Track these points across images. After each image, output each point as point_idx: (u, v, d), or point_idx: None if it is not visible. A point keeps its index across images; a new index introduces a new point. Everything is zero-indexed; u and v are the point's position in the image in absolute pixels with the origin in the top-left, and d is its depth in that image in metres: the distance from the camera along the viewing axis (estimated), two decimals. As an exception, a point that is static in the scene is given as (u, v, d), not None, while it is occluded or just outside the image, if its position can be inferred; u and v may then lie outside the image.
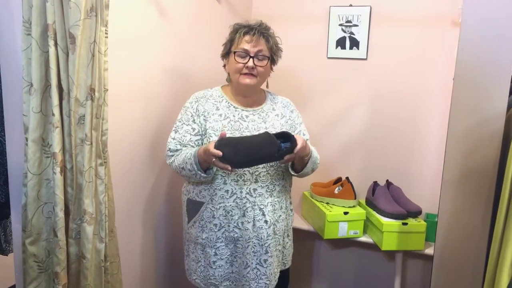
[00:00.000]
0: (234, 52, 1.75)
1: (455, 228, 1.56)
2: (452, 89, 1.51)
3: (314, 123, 2.52)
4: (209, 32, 2.29)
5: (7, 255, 1.80)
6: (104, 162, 1.47)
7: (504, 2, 1.39)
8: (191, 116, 1.78)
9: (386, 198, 2.33)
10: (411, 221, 2.24)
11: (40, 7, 1.29)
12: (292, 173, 1.85)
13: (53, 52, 1.31)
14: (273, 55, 1.82)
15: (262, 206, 1.76)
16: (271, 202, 1.79)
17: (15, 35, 1.36)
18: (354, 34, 2.48)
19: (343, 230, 2.34)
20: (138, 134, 1.90)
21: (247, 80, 1.75)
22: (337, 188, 2.45)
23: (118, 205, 1.70)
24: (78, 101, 1.37)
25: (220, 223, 1.77)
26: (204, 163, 1.65)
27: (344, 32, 2.50)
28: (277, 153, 1.60)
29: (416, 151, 2.46)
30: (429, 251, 2.22)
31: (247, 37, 1.75)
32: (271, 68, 1.87)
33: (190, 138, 1.76)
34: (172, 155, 1.76)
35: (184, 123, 1.78)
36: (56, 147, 1.35)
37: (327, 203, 2.46)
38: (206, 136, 1.76)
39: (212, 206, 1.77)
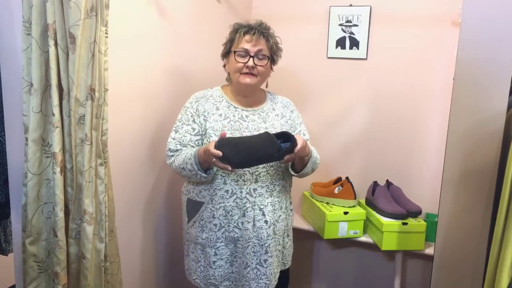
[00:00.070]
0: (234, 52, 1.75)
1: (455, 228, 1.56)
2: (452, 89, 1.51)
3: (314, 123, 2.52)
4: (209, 32, 2.29)
5: (7, 255, 1.80)
6: (104, 162, 1.47)
7: (504, 2, 1.39)
8: (191, 116, 1.78)
9: (386, 198, 2.33)
10: (411, 221, 2.24)
11: (40, 7, 1.29)
12: (292, 173, 1.85)
13: (53, 52, 1.31)
14: (273, 55, 1.82)
15: (262, 206, 1.76)
16: (271, 202, 1.79)
17: (15, 35, 1.36)
18: (354, 34, 2.48)
19: (343, 230, 2.34)
20: (138, 134, 1.90)
21: (247, 80, 1.75)
22: (337, 188, 2.45)
23: (118, 205, 1.70)
24: (78, 101, 1.37)
25: (220, 223, 1.77)
26: (205, 163, 1.65)
27: (344, 32, 2.50)
28: (277, 153, 1.60)
29: (416, 151, 2.46)
30: (429, 251, 2.22)
31: (247, 37, 1.75)
32: (271, 68, 1.87)
33: (190, 138, 1.76)
34: (172, 155, 1.76)
35: (184, 123, 1.78)
36: (56, 147, 1.34)
37: (327, 203, 2.46)
38: (206, 136, 1.76)
39: (212, 206, 1.77)
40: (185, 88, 2.09)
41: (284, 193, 1.87)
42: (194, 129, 1.77)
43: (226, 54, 1.84)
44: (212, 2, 2.33)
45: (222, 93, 1.85)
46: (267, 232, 1.77)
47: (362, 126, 2.55)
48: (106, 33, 1.41)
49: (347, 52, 2.51)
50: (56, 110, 1.33)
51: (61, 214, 1.38)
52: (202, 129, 1.77)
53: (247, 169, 1.73)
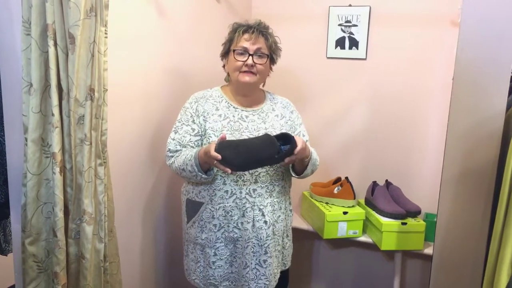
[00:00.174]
0: (234, 51, 1.76)
1: (454, 227, 1.56)
2: (452, 89, 1.51)
3: (314, 123, 2.52)
4: (209, 32, 2.29)
5: (6, 255, 1.80)
6: (104, 162, 1.47)
7: (503, 2, 1.39)
8: (191, 116, 1.78)
9: (385, 198, 2.33)
10: (410, 221, 2.24)
11: (39, 7, 1.29)
12: (293, 175, 1.85)
13: (53, 52, 1.31)
14: (272, 54, 1.82)
15: (261, 207, 1.76)
16: (270, 203, 1.79)
17: (14, 35, 1.36)
18: (353, 34, 2.48)
19: (343, 230, 2.34)
20: (138, 134, 1.90)
21: (247, 78, 1.75)
22: (336, 188, 2.45)
23: (117, 205, 1.70)
24: (78, 101, 1.37)
25: (220, 223, 1.77)
26: (205, 164, 1.65)
27: (344, 32, 2.50)
28: (277, 154, 1.59)
29: (416, 151, 2.46)
30: (428, 251, 2.22)
31: (246, 35, 1.75)
32: (271, 68, 1.87)
33: (190, 139, 1.76)
34: (172, 156, 1.76)
35: (183, 123, 1.78)
36: (56, 147, 1.35)
37: (327, 203, 2.46)
38: (205, 137, 1.75)
39: (212, 207, 1.77)
40: (184, 88, 2.09)
41: (284, 193, 1.87)
42: (193, 129, 1.77)
43: (225, 54, 1.84)
44: (211, 2, 2.33)
45: (221, 93, 1.85)
46: (267, 233, 1.77)
47: (362, 126, 2.55)
48: (106, 33, 1.41)
49: (347, 52, 2.51)
50: (55, 110, 1.33)
51: (60, 214, 1.38)
52: (202, 129, 1.77)
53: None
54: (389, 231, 2.21)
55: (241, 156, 1.55)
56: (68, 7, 1.29)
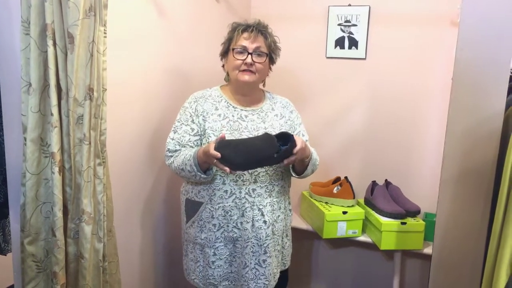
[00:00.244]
0: (233, 49, 1.76)
1: (454, 227, 1.56)
2: (451, 88, 1.51)
3: (313, 123, 2.52)
4: (208, 31, 2.29)
5: (5, 255, 1.80)
6: (103, 162, 1.47)
7: (502, 2, 1.39)
8: (190, 116, 1.78)
9: (385, 197, 2.33)
10: (409, 220, 2.24)
11: (38, 7, 1.29)
12: (293, 175, 1.85)
13: (52, 52, 1.31)
14: (271, 53, 1.82)
15: (261, 206, 1.76)
16: (270, 202, 1.79)
17: (13, 35, 1.36)
18: (353, 34, 2.48)
19: (342, 230, 2.34)
20: (137, 133, 1.90)
21: (246, 77, 1.75)
22: (336, 188, 2.45)
23: (116, 205, 1.70)
24: (77, 101, 1.37)
25: (219, 223, 1.77)
26: (204, 164, 1.65)
27: (343, 31, 2.50)
28: (277, 153, 1.59)
29: (415, 150, 2.46)
30: (428, 250, 2.22)
31: (245, 34, 1.75)
32: (270, 68, 1.87)
33: (189, 139, 1.76)
34: (171, 156, 1.76)
35: (183, 123, 1.78)
36: (55, 147, 1.35)
37: (326, 202, 2.46)
38: (205, 136, 1.75)
39: (211, 206, 1.77)
40: (184, 88, 2.08)
41: (283, 193, 1.87)
42: (193, 129, 1.77)
43: (224, 53, 1.84)
44: (210, 2, 2.33)
45: (221, 93, 1.85)
46: (266, 232, 1.77)
47: (361, 125, 2.55)
48: (105, 33, 1.40)
49: (346, 52, 2.51)
50: (54, 110, 1.33)
51: (59, 214, 1.38)
52: (201, 129, 1.77)
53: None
54: (388, 231, 2.21)
55: (241, 155, 1.55)
56: (67, 7, 1.29)
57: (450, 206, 1.55)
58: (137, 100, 1.87)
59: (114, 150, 1.71)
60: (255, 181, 1.75)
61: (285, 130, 1.78)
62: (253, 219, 1.76)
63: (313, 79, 2.61)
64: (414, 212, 2.27)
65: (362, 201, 2.49)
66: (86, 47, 1.36)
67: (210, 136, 1.74)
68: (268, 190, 1.78)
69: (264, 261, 1.77)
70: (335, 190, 2.44)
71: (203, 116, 1.77)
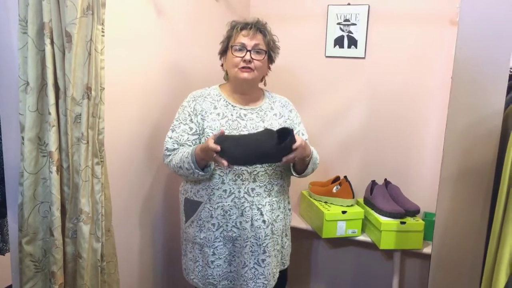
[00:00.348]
0: (231, 47, 1.75)
1: (453, 226, 1.56)
2: (451, 87, 1.51)
3: (312, 122, 2.51)
4: (207, 30, 2.28)
5: (3, 255, 1.80)
6: (101, 161, 1.47)
7: (501, 1, 1.39)
8: (189, 115, 1.78)
9: (384, 197, 2.33)
10: (409, 220, 2.24)
11: (36, 6, 1.29)
12: (294, 174, 1.84)
13: (50, 51, 1.30)
14: (270, 51, 1.81)
15: (260, 206, 1.76)
16: (269, 202, 1.78)
17: (11, 34, 1.36)
18: (352, 33, 2.48)
19: (341, 229, 2.34)
20: (135, 133, 1.90)
21: (245, 74, 1.75)
22: (335, 187, 2.44)
23: (115, 204, 1.70)
24: (75, 100, 1.36)
25: (218, 222, 1.76)
26: (202, 161, 1.65)
27: (342, 31, 2.49)
28: (276, 148, 1.56)
29: (415, 150, 2.46)
30: (427, 250, 2.22)
31: (244, 32, 1.75)
32: (269, 67, 1.87)
33: (188, 138, 1.76)
34: (169, 155, 1.76)
35: (181, 122, 1.78)
36: (53, 146, 1.34)
37: (325, 202, 2.46)
38: (203, 136, 1.75)
39: (210, 206, 1.76)
40: (182, 87, 2.08)
41: (282, 192, 1.86)
42: (191, 128, 1.77)
43: (223, 52, 1.83)
44: (210, 1, 2.32)
45: (220, 91, 1.84)
46: (265, 232, 1.76)
47: (360, 125, 2.55)
48: (103, 32, 1.40)
49: (346, 51, 2.51)
50: (52, 109, 1.33)
51: (57, 214, 1.37)
52: (200, 128, 1.76)
53: (244, 168, 1.72)
54: (388, 230, 2.21)
55: (240, 148, 1.54)
56: (65, 5, 1.29)
57: (449, 205, 1.55)
58: (136, 99, 1.87)
59: (113, 149, 1.71)
60: (254, 181, 1.75)
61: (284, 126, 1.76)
62: (252, 219, 1.75)
63: (312, 78, 2.61)
64: (413, 212, 2.27)
65: (361, 200, 2.49)
66: (84, 46, 1.35)
67: (209, 135, 1.73)
68: (267, 190, 1.78)
69: (263, 260, 1.77)
70: (334, 190, 2.44)
71: (202, 115, 1.77)
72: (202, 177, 1.70)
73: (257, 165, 1.74)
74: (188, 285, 1.95)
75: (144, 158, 1.96)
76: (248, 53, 1.73)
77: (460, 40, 1.46)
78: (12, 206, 1.45)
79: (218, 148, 1.52)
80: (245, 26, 1.76)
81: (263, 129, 1.67)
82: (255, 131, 1.73)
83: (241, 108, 1.81)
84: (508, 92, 1.44)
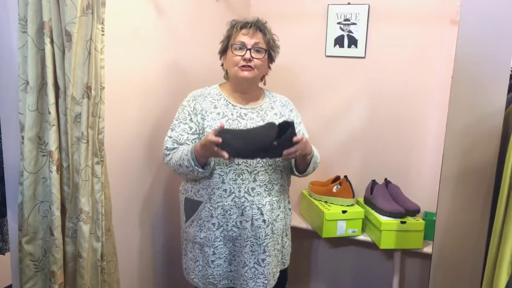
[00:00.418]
0: (231, 46, 1.75)
1: (454, 225, 1.55)
2: (451, 86, 1.51)
3: (312, 122, 2.51)
4: (207, 30, 2.28)
5: (3, 254, 1.80)
6: (101, 160, 1.47)
7: (502, -1, 1.39)
8: (188, 114, 1.78)
9: (384, 196, 2.33)
10: (409, 219, 2.24)
11: (36, 5, 1.28)
12: (296, 173, 1.84)
13: (49, 50, 1.30)
14: (270, 50, 1.81)
15: (260, 205, 1.76)
16: (269, 201, 1.78)
17: (11, 33, 1.36)
18: (352, 33, 2.47)
19: (342, 229, 2.34)
20: (136, 132, 1.90)
21: (245, 73, 1.74)
22: (335, 187, 2.44)
23: (115, 203, 1.70)
24: (75, 99, 1.36)
25: (219, 222, 1.76)
26: (202, 158, 1.64)
27: (343, 30, 2.49)
28: (277, 140, 1.54)
29: (415, 149, 2.46)
30: (428, 249, 2.22)
31: (244, 31, 1.75)
32: (269, 66, 1.87)
33: (187, 137, 1.75)
34: (169, 154, 1.75)
35: (181, 121, 1.77)
36: (53, 146, 1.34)
37: (326, 201, 2.46)
38: (203, 135, 1.74)
39: (210, 205, 1.76)
40: (182, 86, 2.08)
41: (283, 192, 1.86)
42: (191, 128, 1.76)
43: (223, 51, 1.83)
44: (210, 0, 2.32)
45: (220, 91, 1.84)
46: (265, 232, 1.76)
47: (361, 124, 2.55)
48: (103, 31, 1.40)
49: (346, 51, 2.51)
50: (52, 108, 1.32)
51: (57, 213, 1.37)
52: (200, 128, 1.76)
53: (245, 167, 1.72)
54: (388, 230, 2.21)
55: (241, 140, 1.53)
56: (65, 5, 1.29)
57: (450, 204, 1.54)
58: (136, 98, 1.87)
59: (112, 148, 1.71)
60: (255, 180, 1.74)
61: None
62: (252, 218, 1.75)
63: (313, 77, 2.60)
64: (413, 211, 2.27)
65: (361, 200, 2.48)
66: (84, 45, 1.35)
67: (209, 135, 1.73)
68: (267, 189, 1.77)
69: (263, 260, 1.77)
70: (334, 189, 2.44)
71: (202, 115, 1.76)
72: (202, 174, 1.70)
73: (259, 161, 1.72)
74: (188, 284, 1.95)
75: (144, 158, 1.96)
76: (248, 51, 1.73)
77: (461, 38, 1.45)
78: (12, 205, 1.45)
79: (220, 140, 1.51)
80: (245, 25, 1.76)
81: (265, 123, 1.66)
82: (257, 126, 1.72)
83: (241, 108, 1.80)
84: (509, 91, 1.44)
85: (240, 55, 1.74)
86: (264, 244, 1.76)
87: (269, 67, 1.88)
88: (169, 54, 2.04)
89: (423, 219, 2.28)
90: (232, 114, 1.78)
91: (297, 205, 2.71)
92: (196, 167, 1.65)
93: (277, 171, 1.80)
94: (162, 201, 2.13)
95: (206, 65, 2.22)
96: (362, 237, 2.37)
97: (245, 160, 1.72)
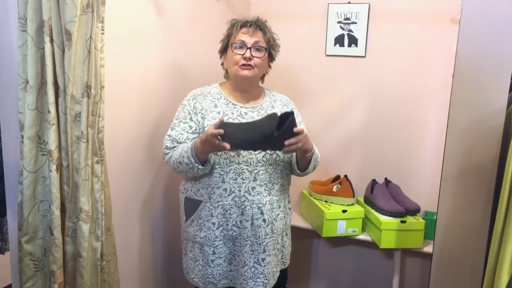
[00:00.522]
0: (232, 44, 1.75)
1: (455, 225, 1.55)
2: (452, 85, 1.50)
3: (313, 121, 2.51)
4: (207, 29, 2.28)
5: (3, 254, 1.80)
6: (101, 160, 1.46)
7: (503, -2, 1.39)
8: (188, 113, 1.77)
9: (384, 196, 2.33)
10: (409, 219, 2.23)
11: (35, 3, 1.28)
12: (297, 171, 1.83)
13: (49, 49, 1.30)
14: (270, 49, 1.81)
15: (260, 205, 1.75)
16: (269, 201, 1.78)
17: (10, 32, 1.35)
18: (352, 32, 2.47)
19: (342, 228, 2.33)
20: (136, 131, 1.89)
21: (245, 72, 1.74)
22: (335, 186, 2.44)
23: (115, 203, 1.69)
24: (74, 98, 1.36)
25: (219, 221, 1.76)
26: (202, 155, 1.64)
27: (343, 29, 2.49)
28: (277, 130, 1.53)
29: (415, 148, 2.45)
30: (428, 249, 2.22)
31: (244, 29, 1.75)
32: (269, 65, 1.86)
33: (187, 136, 1.75)
34: (169, 153, 1.75)
35: (181, 121, 1.77)
36: (52, 145, 1.34)
37: (326, 201, 2.45)
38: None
39: (210, 205, 1.76)
40: (182, 85, 2.08)
41: (283, 191, 1.86)
42: (191, 127, 1.76)
43: (223, 50, 1.83)
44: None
45: (220, 90, 1.84)
46: (265, 231, 1.76)
47: (361, 124, 2.55)
48: (102, 30, 1.39)
49: (346, 50, 2.50)
50: (52, 108, 1.32)
51: (57, 212, 1.37)
52: (200, 127, 1.76)
53: (245, 166, 1.72)
54: (388, 229, 2.20)
55: (242, 131, 1.53)
56: (65, 3, 1.28)
57: (451, 204, 1.54)
58: (136, 97, 1.86)
59: (112, 148, 1.70)
60: (255, 179, 1.74)
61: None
62: (252, 218, 1.75)
63: (313, 77, 2.60)
64: (414, 211, 2.26)
65: (361, 199, 2.48)
66: (84, 44, 1.35)
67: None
68: (267, 189, 1.77)
69: (263, 259, 1.76)
70: (334, 189, 2.44)
71: (202, 114, 1.76)
72: (202, 172, 1.69)
73: (259, 160, 1.72)
74: (188, 284, 1.95)
75: (144, 157, 1.96)
76: (248, 50, 1.73)
77: (462, 37, 1.45)
78: (11, 205, 1.44)
79: (221, 131, 1.50)
80: (245, 23, 1.76)
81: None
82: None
83: (241, 107, 1.80)
84: (510, 90, 1.43)
85: (240, 54, 1.73)
86: (264, 244, 1.76)
87: (269, 66, 1.87)
88: (169, 53, 2.04)
89: (423, 219, 2.27)
90: (232, 113, 1.77)
91: (297, 204, 2.70)
92: (196, 164, 1.64)
93: (277, 170, 1.80)
94: (162, 201, 2.12)
95: (206, 64, 2.22)
96: (362, 237, 2.37)
97: (247, 152, 1.71)
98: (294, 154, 1.81)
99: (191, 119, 1.77)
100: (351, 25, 2.47)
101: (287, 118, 1.55)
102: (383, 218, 2.22)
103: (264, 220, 1.75)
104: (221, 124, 1.54)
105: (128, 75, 1.80)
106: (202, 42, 2.26)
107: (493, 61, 1.41)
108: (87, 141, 1.40)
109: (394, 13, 2.39)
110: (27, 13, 1.27)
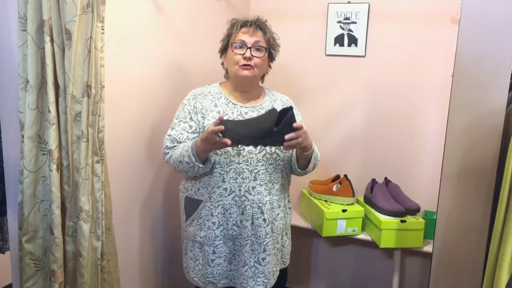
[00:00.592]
0: (232, 44, 1.75)
1: (455, 224, 1.55)
2: (452, 85, 1.50)
3: (312, 121, 2.51)
4: (207, 28, 2.28)
5: (3, 253, 1.80)
6: (101, 159, 1.46)
7: (503, -2, 1.39)
8: (188, 113, 1.77)
9: (384, 195, 2.33)
10: (409, 218, 2.24)
11: (35, 3, 1.28)
12: (298, 170, 1.83)
13: (49, 48, 1.30)
14: (270, 49, 1.81)
15: (260, 204, 1.75)
16: (269, 201, 1.78)
17: (10, 31, 1.35)
18: (352, 31, 2.47)
19: (342, 228, 2.34)
20: (136, 131, 1.89)
21: (246, 72, 1.74)
22: (335, 186, 2.44)
23: (115, 202, 1.69)
24: (75, 98, 1.36)
25: (219, 221, 1.76)
26: (202, 153, 1.64)
27: (343, 29, 2.49)
28: (276, 127, 1.54)
29: (415, 148, 2.46)
30: (428, 248, 2.22)
31: (244, 29, 1.75)
32: (269, 65, 1.86)
33: (187, 136, 1.75)
34: (169, 152, 1.75)
35: (181, 120, 1.77)
36: (53, 144, 1.34)
37: (326, 200, 2.46)
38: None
39: (211, 204, 1.76)
40: (183, 85, 2.08)
41: (283, 191, 1.86)
42: (191, 126, 1.76)
43: (224, 50, 1.83)
44: (210, -1, 2.32)
45: (220, 89, 1.84)
46: (265, 231, 1.76)
47: (361, 123, 2.55)
48: (103, 29, 1.39)
49: (346, 50, 2.50)
50: (52, 107, 1.32)
51: (57, 212, 1.37)
52: (200, 126, 1.76)
53: (245, 165, 1.72)
54: (388, 229, 2.21)
55: (242, 126, 1.53)
56: (65, 3, 1.28)
57: (451, 203, 1.54)
58: (136, 97, 1.86)
59: (113, 147, 1.70)
60: (255, 179, 1.74)
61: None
62: (252, 217, 1.75)
63: (312, 76, 2.60)
64: (413, 210, 2.26)
65: (361, 199, 2.48)
66: (84, 43, 1.35)
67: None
68: (267, 188, 1.77)
69: (263, 259, 1.77)
70: (334, 188, 2.44)
71: (202, 113, 1.76)
72: (203, 170, 1.69)
73: (259, 159, 1.72)
74: (189, 283, 1.95)
75: (144, 156, 1.96)
76: (248, 50, 1.73)
77: (462, 37, 1.45)
78: (12, 204, 1.45)
79: (222, 127, 1.50)
80: (245, 23, 1.76)
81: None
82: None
83: (242, 106, 1.80)
84: (510, 90, 1.44)
85: (240, 54, 1.73)
86: (264, 243, 1.76)
87: (270, 66, 1.87)
88: (169, 53, 2.04)
89: (423, 218, 2.28)
90: (232, 113, 1.78)
91: (297, 204, 2.71)
92: (196, 163, 1.64)
93: (277, 170, 1.80)
94: (162, 200, 2.12)
95: (206, 64, 2.22)
96: (362, 236, 2.37)
97: (248, 151, 1.71)
98: (294, 152, 1.81)
99: (191, 118, 1.77)
100: (351, 24, 2.47)
101: (287, 114, 1.56)
102: (383, 217, 2.23)
103: (264, 220, 1.76)
104: (221, 121, 1.54)
105: (128, 74, 1.80)
106: (202, 42, 2.26)
107: (492, 61, 1.41)
108: (87, 140, 1.40)
109: (394, 13, 2.39)
110: (27, 13, 1.27)
